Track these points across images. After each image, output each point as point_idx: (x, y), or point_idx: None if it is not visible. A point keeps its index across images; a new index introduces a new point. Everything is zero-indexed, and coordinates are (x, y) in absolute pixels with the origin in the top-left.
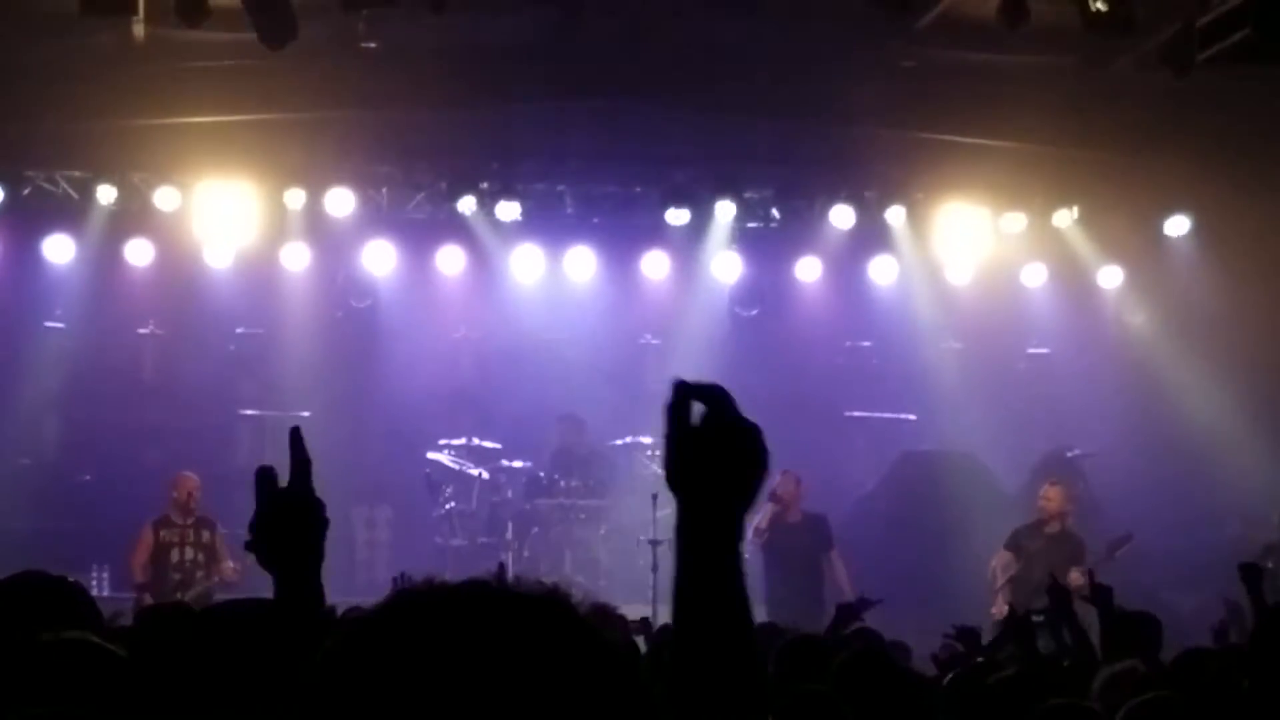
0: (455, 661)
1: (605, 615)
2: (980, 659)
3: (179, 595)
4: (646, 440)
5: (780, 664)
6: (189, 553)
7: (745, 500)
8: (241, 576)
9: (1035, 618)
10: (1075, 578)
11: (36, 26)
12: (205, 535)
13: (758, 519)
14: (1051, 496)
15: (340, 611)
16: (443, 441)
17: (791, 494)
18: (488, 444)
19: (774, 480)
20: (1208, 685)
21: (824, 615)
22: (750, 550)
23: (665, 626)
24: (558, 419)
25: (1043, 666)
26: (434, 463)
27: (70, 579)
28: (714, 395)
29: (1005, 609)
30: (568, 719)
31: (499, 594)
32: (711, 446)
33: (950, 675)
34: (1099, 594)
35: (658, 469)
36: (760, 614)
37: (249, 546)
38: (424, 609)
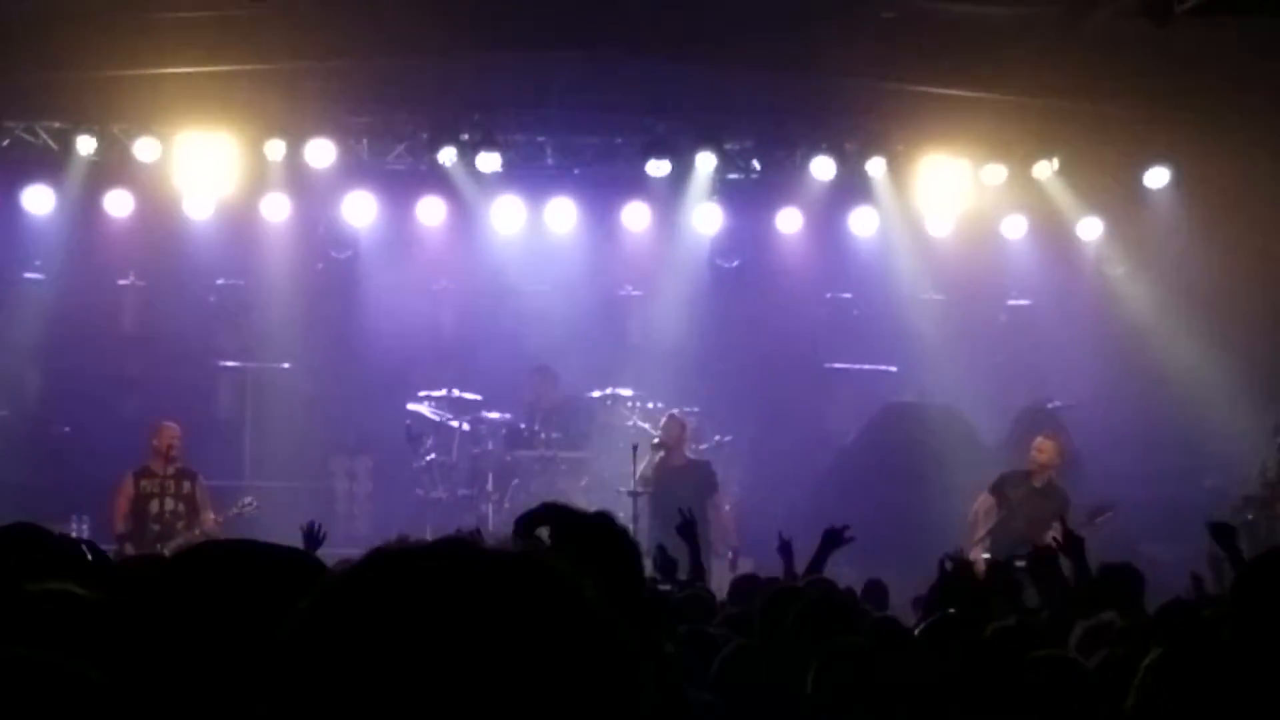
0: (432, 621)
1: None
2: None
3: (159, 546)
4: (626, 392)
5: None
6: (169, 504)
7: None
8: (220, 529)
9: (1018, 563)
10: (1055, 532)
11: None
12: (186, 486)
13: (643, 467)
14: (1044, 448)
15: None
16: (423, 393)
17: (676, 438)
18: (468, 395)
19: (659, 425)
20: (1189, 637)
21: (707, 559)
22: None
23: (651, 578)
24: (531, 370)
25: (1029, 618)
26: (414, 414)
27: (59, 531)
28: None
29: (981, 560)
30: (549, 677)
31: (476, 552)
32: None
33: (928, 623)
34: (1071, 545)
35: (638, 421)
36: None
37: None
38: (400, 568)
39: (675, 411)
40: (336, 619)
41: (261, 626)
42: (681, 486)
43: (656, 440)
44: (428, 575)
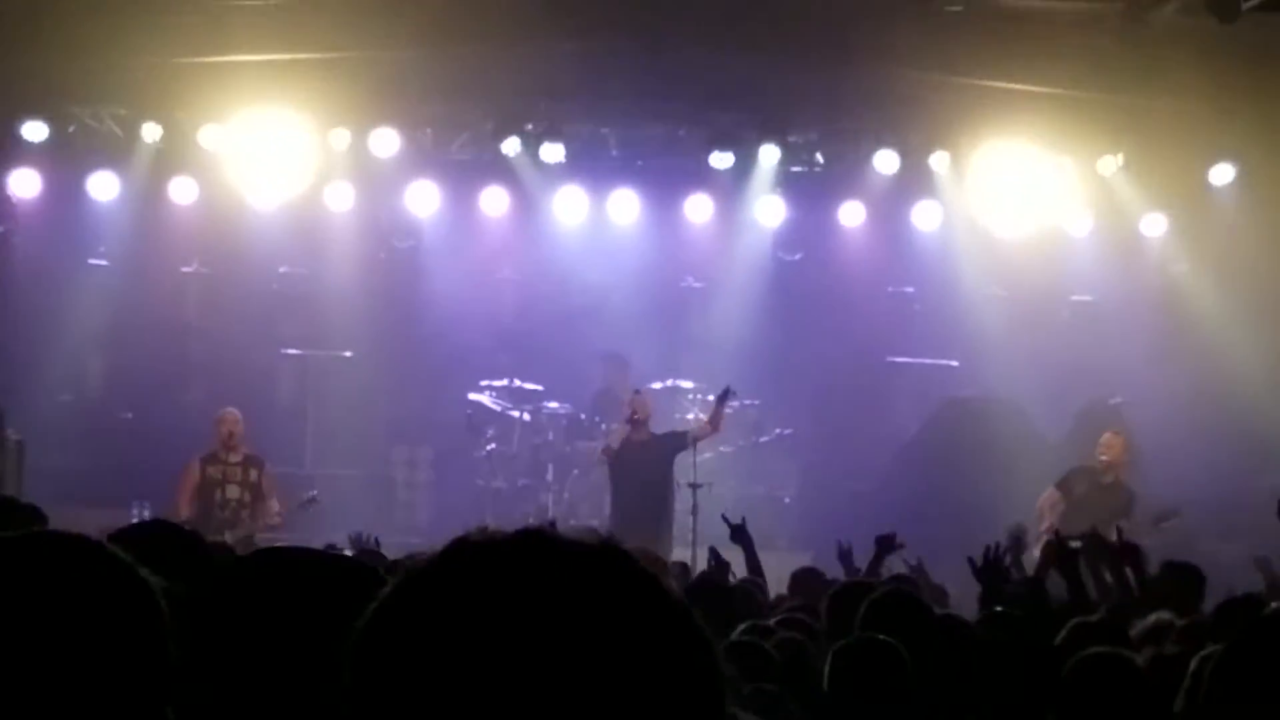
0: (515, 614)
1: (652, 562)
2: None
3: (224, 534)
4: (687, 384)
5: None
6: (234, 491)
7: None
8: (283, 521)
9: (1072, 543)
10: (1124, 527)
11: None
12: (253, 474)
13: (610, 437)
14: (1111, 445)
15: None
16: (484, 383)
17: (645, 414)
18: (529, 386)
19: (628, 400)
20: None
21: (670, 531)
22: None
23: (704, 572)
24: (602, 358)
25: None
26: (475, 404)
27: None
28: None
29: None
30: (631, 667)
31: (556, 543)
32: None
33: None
34: (1126, 555)
35: (699, 413)
36: (599, 518)
37: None
38: (482, 558)
39: (642, 389)
40: (418, 608)
41: (319, 637)
42: (647, 460)
43: (634, 416)
44: (510, 565)
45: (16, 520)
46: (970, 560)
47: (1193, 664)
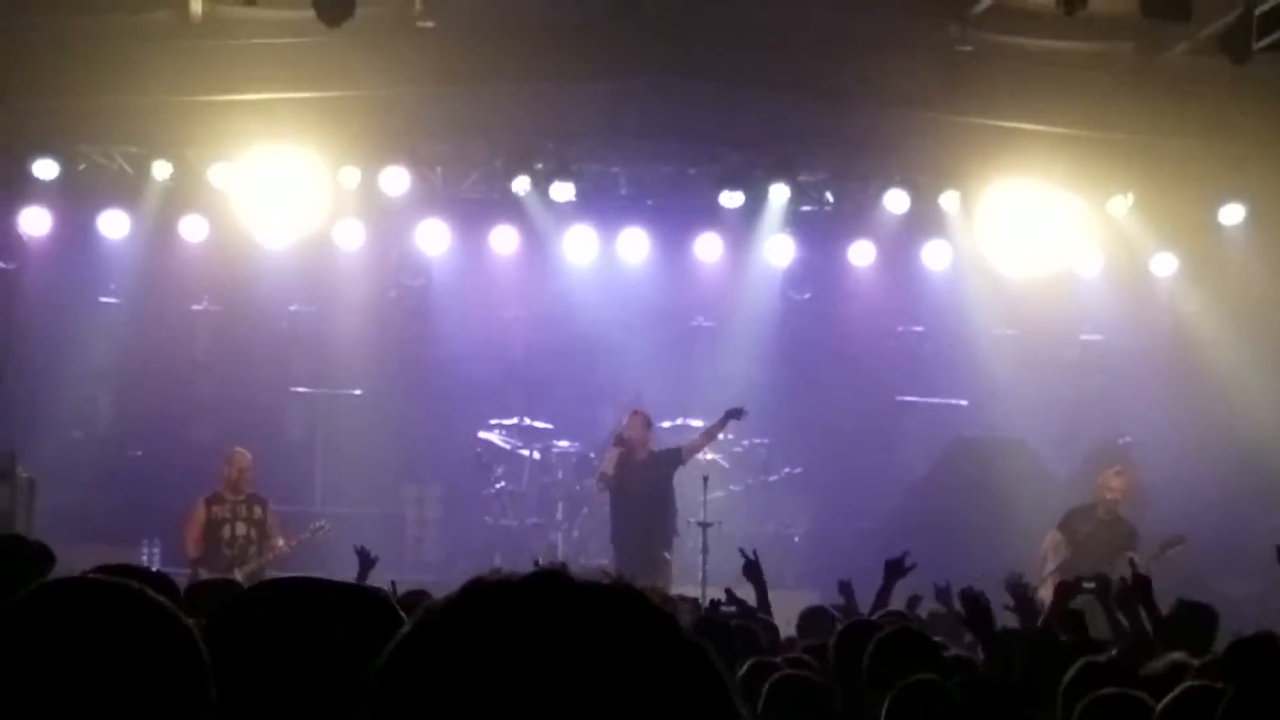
0: (532, 654)
1: (664, 601)
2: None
3: (233, 571)
4: (696, 423)
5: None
6: (241, 529)
7: None
8: (291, 553)
9: (1086, 584)
10: (1131, 558)
11: (94, 2)
12: (257, 511)
13: (603, 465)
14: (1114, 486)
15: (399, 591)
16: (494, 421)
17: (640, 436)
18: (539, 424)
19: (622, 422)
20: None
21: (671, 548)
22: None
23: (713, 601)
24: (632, 412)
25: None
26: (485, 442)
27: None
28: None
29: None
30: (648, 709)
31: (571, 584)
32: None
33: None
34: (1138, 588)
35: (709, 452)
36: (607, 556)
37: None
38: (498, 601)
39: (638, 408)
40: (435, 649)
41: (330, 663)
42: (646, 478)
43: (622, 437)
44: (525, 606)
45: (25, 559)
46: (960, 610)
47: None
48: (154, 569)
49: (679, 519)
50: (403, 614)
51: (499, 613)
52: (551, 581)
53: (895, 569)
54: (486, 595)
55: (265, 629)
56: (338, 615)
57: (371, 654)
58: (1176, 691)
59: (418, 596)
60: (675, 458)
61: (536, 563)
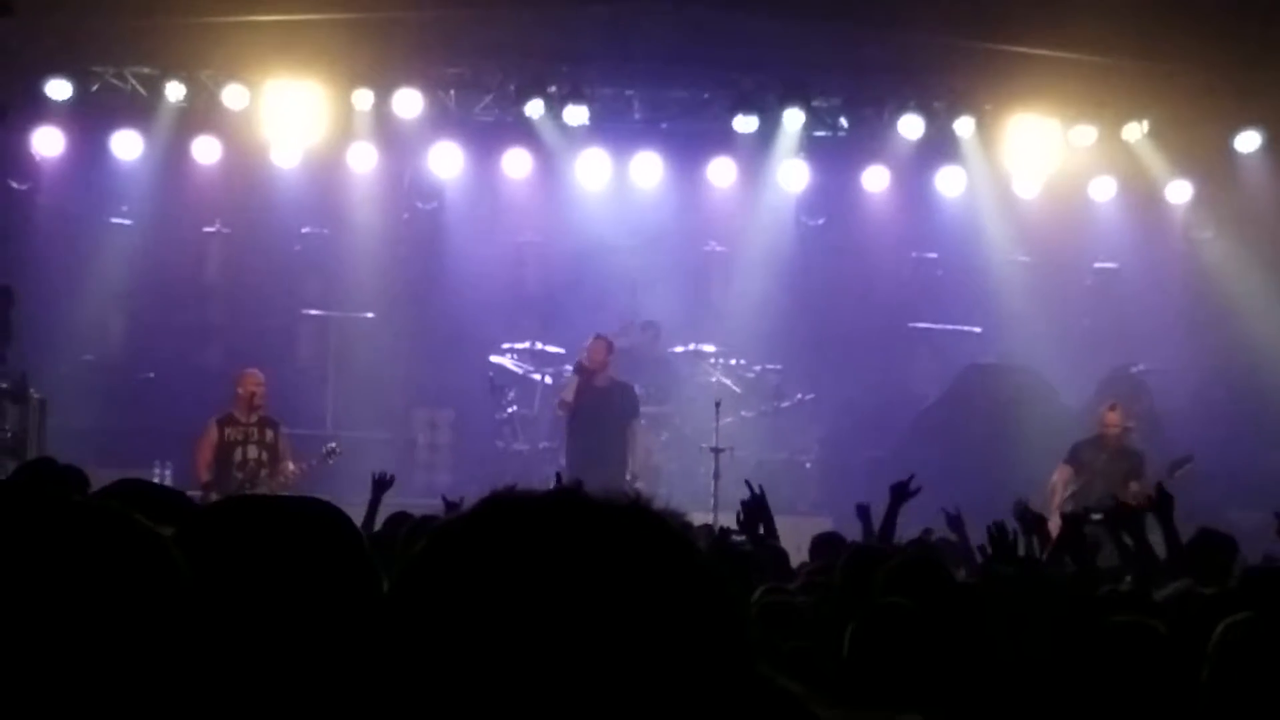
0: (546, 572)
1: (682, 522)
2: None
3: (244, 493)
4: (709, 348)
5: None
6: (253, 451)
7: None
8: (303, 477)
9: (1094, 515)
10: (1134, 488)
11: None
12: (269, 434)
13: (564, 393)
14: (1112, 421)
15: (414, 516)
16: (506, 345)
17: (601, 360)
18: (551, 348)
19: (583, 345)
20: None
21: (625, 477)
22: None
23: (723, 529)
24: (640, 325)
25: (1104, 577)
26: (497, 366)
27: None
28: None
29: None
30: (660, 628)
31: (587, 503)
32: None
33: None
34: (1162, 504)
35: (721, 377)
36: (541, 475)
37: None
38: (516, 517)
39: (601, 334)
40: (451, 566)
41: (288, 580)
42: (605, 408)
43: (581, 364)
44: (541, 523)
45: (58, 481)
46: (981, 548)
47: (1218, 631)
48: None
49: (693, 444)
50: (358, 528)
51: (514, 529)
52: (569, 499)
53: (901, 493)
54: (504, 511)
55: (221, 545)
56: (292, 528)
57: (327, 566)
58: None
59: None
60: (634, 403)
61: (559, 477)
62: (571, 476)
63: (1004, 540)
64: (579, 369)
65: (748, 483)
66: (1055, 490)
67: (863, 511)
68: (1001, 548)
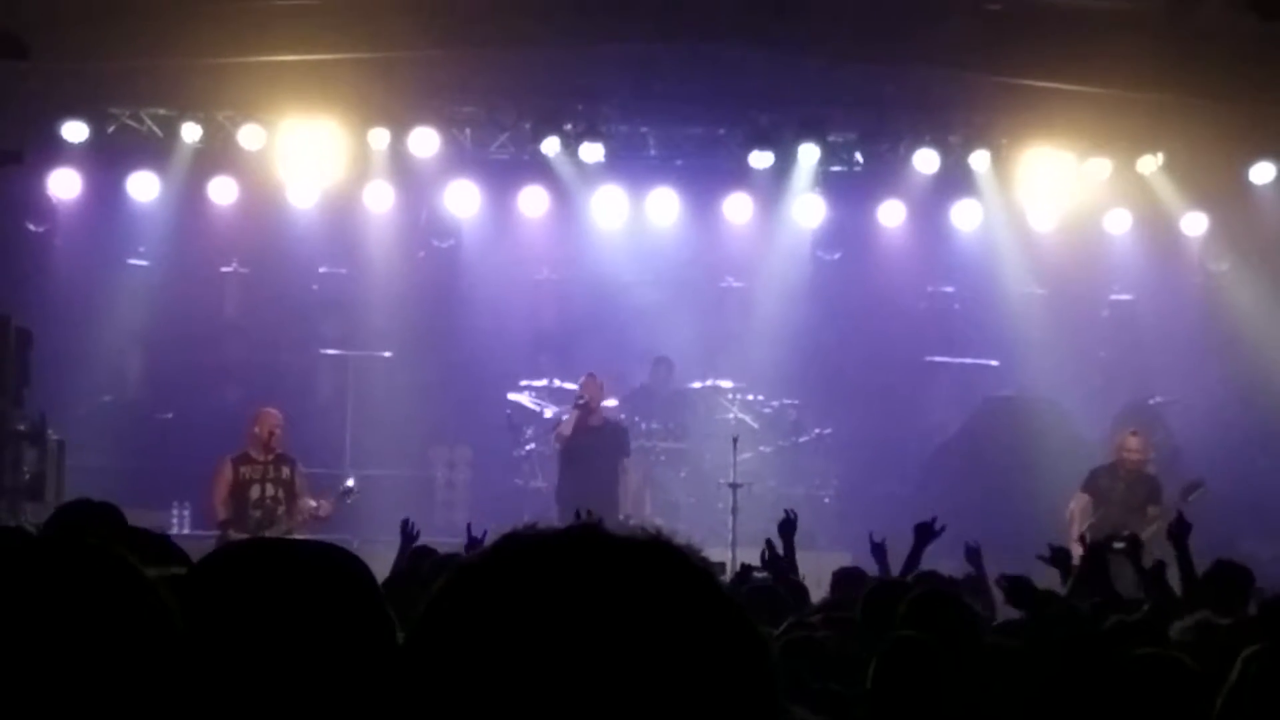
0: (569, 608)
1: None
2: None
3: (262, 533)
4: (726, 384)
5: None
6: (269, 489)
7: None
8: (323, 516)
9: (1116, 544)
10: (1153, 512)
11: None
12: (285, 472)
13: (561, 426)
14: (1133, 447)
15: (428, 553)
16: (524, 383)
17: (596, 398)
18: (568, 385)
19: (579, 383)
20: None
21: (617, 516)
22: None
23: (744, 566)
24: (653, 361)
25: (1125, 607)
26: (514, 404)
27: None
28: None
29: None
30: (685, 665)
31: (607, 538)
32: None
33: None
34: (1179, 531)
35: (739, 413)
36: (553, 512)
37: None
38: (538, 553)
39: (593, 373)
40: (471, 603)
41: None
42: (598, 445)
43: (581, 400)
44: (562, 560)
45: (94, 520)
46: (1002, 582)
47: (1237, 664)
48: (184, 532)
49: (711, 480)
50: (370, 572)
51: (535, 566)
52: (590, 535)
53: (926, 533)
54: (525, 547)
55: (232, 589)
56: (302, 573)
57: (338, 611)
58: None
59: (457, 559)
60: (625, 443)
61: (578, 514)
62: (562, 514)
63: (1020, 591)
64: (578, 405)
65: (787, 512)
66: (1073, 519)
67: (878, 549)
68: (1019, 597)
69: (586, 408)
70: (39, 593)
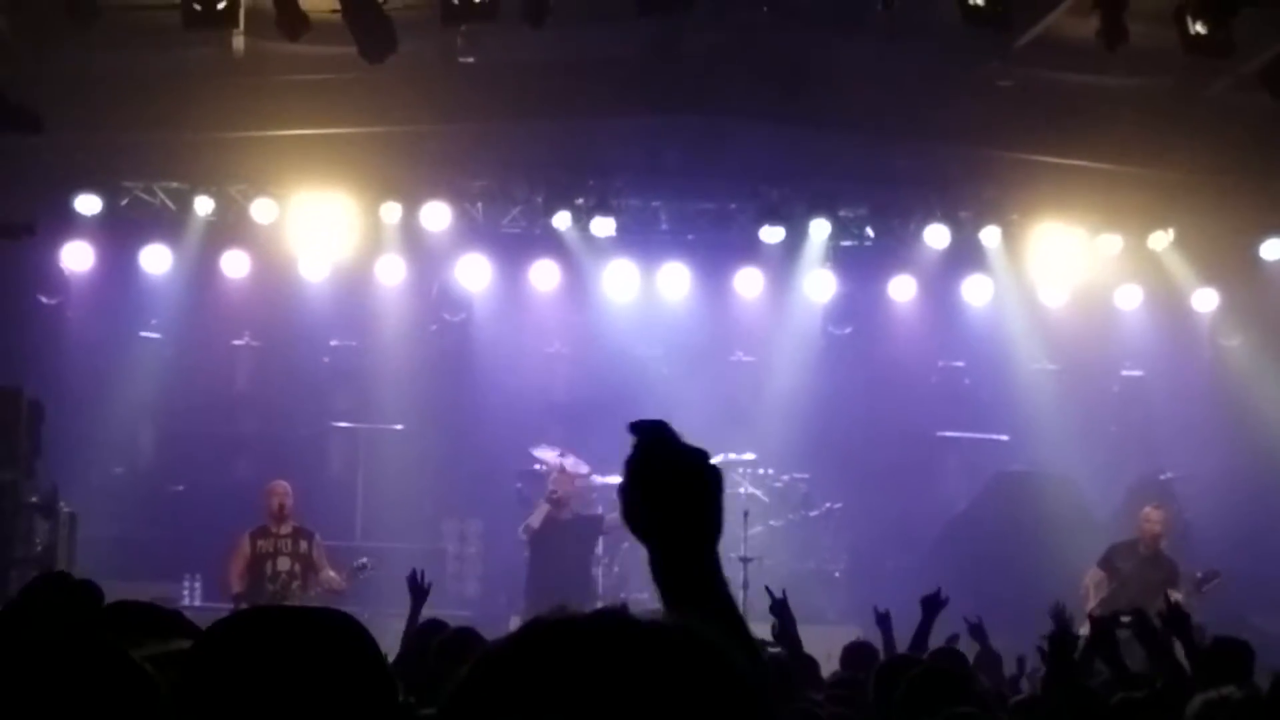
0: (595, 695)
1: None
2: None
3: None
4: (736, 458)
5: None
6: (285, 563)
7: (701, 533)
8: (345, 590)
9: (1124, 618)
10: (1175, 598)
11: (138, 39)
12: (303, 545)
13: (530, 518)
14: (1154, 518)
15: (439, 627)
16: (540, 450)
17: (567, 493)
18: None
19: (551, 479)
20: None
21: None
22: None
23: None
24: (558, 469)
25: (1134, 682)
26: (526, 477)
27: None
28: (648, 430)
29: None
30: None
31: (632, 625)
32: (650, 484)
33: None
34: (1177, 621)
35: (750, 487)
36: (520, 604)
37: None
38: (559, 640)
39: (567, 464)
40: (498, 690)
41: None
42: (568, 538)
43: (554, 494)
44: (588, 646)
45: (70, 596)
46: (1041, 648)
47: None
48: (195, 604)
49: (722, 554)
50: (374, 640)
51: (560, 652)
52: (612, 621)
53: (933, 605)
54: (550, 635)
55: (235, 658)
56: (305, 640)
57: (341, 678)
58: None
59: (467, 633)
60: (596, 526)
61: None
62: (528, 610)
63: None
64: (550, 499)
65: (768, 589)
66: (1088, 593)
67: (883, 620)
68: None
69: (558, 502)
70: (22, 684)
